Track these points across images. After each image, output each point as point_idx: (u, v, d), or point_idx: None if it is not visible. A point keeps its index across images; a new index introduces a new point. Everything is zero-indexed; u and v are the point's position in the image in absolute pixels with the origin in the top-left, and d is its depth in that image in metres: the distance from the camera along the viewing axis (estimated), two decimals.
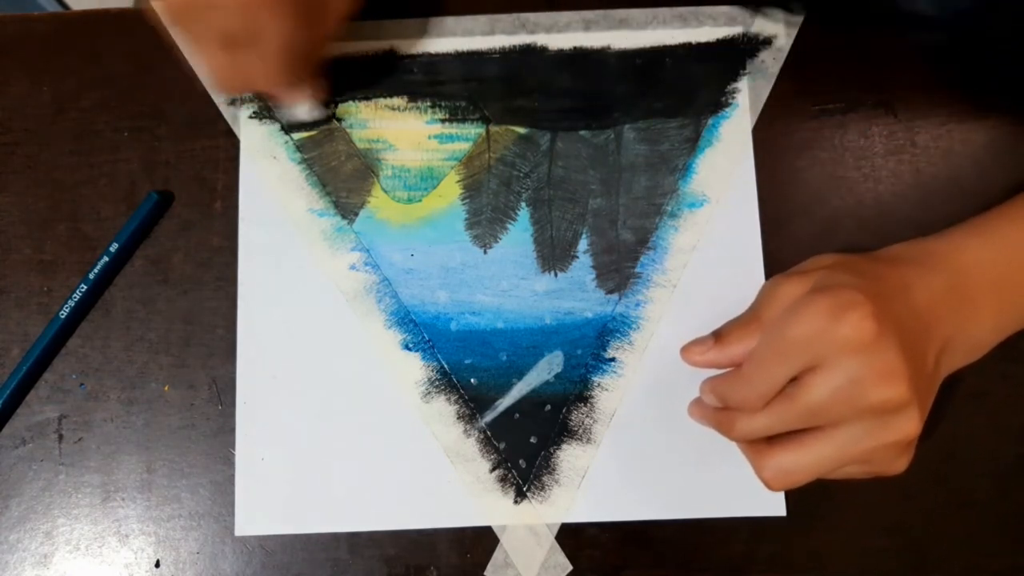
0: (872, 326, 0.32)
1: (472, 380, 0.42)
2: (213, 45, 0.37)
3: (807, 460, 0.33)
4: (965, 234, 0.38)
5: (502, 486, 0.41)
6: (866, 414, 0.32)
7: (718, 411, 0.36)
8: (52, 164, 0.44)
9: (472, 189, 0.43)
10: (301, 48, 0.38)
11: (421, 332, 0.42)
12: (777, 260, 0.42)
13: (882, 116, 0.44)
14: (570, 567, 0.40)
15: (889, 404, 0.32)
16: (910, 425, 0.33)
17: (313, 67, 0.42)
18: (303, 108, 0.43)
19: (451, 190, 0.43)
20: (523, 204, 0.43)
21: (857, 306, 0.32)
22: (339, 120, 0.44)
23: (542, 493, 0.41)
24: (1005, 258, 0.37)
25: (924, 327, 0.34)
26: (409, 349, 0.42)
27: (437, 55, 0.45)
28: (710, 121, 0.44)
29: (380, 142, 0.44)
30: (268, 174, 0.44)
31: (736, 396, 0.34)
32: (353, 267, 0.43)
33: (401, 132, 0.44)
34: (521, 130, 0.44)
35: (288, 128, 0.44)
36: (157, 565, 0.40)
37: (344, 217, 0.43)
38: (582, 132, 0.44)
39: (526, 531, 0.40)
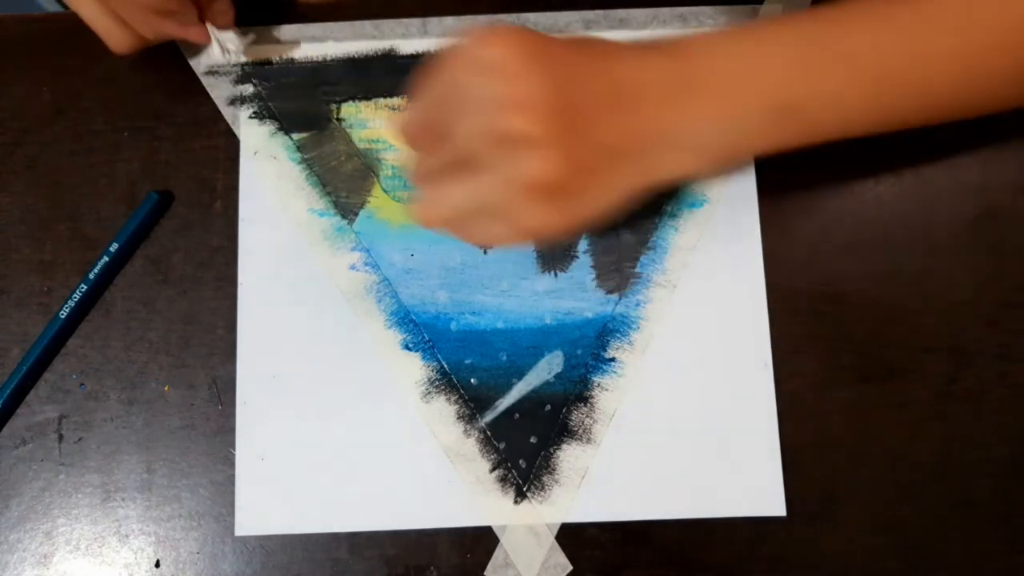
0: (514, 53, 0.30)
1: (472, 380, 0.42)
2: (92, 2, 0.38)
3: (443, 194, 0.33)
4: (707, 35, 0.35)
5: (502, 486, 0.41)
6: (496, 145, 0.31)
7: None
8: (52, 164, 0.44)
9: None
10: None
11: (421, 332, 0.42)
12: (777, 260, 0.42)
13: None
14: (570, 567, 0.40)
15: (516, 135, 0.30)
16: (541, 166, 0.30)
17: None
18: (214, 47, 0.43)
19: None
20: None
21: (504, 35, 0.31)
22: (339, 120, 0.44)
23: (542, 493, 0.41)
24: (742, 60, 0.34)
25: (623, 99, 0.32)
26: (409, 349, 0.42)
27: (437, 55, 0.45)
28: None
29: (380, 142, 0.44)
30: (268, 174, 0.44)
31: (406, 133, 0.34)
32: (353, 267, 0.43)
33: None
34: None
35: (288, 129, 0.44)
36: (157, 565, 0.40)
37: (344, 217, 0.43)
38: None
39: (526, 531, 0.40)
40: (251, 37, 0.44)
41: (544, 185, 0.31)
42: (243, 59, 0.44)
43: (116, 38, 0.41)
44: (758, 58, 0.34)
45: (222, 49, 0.43)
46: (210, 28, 0.43)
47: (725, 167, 0.34)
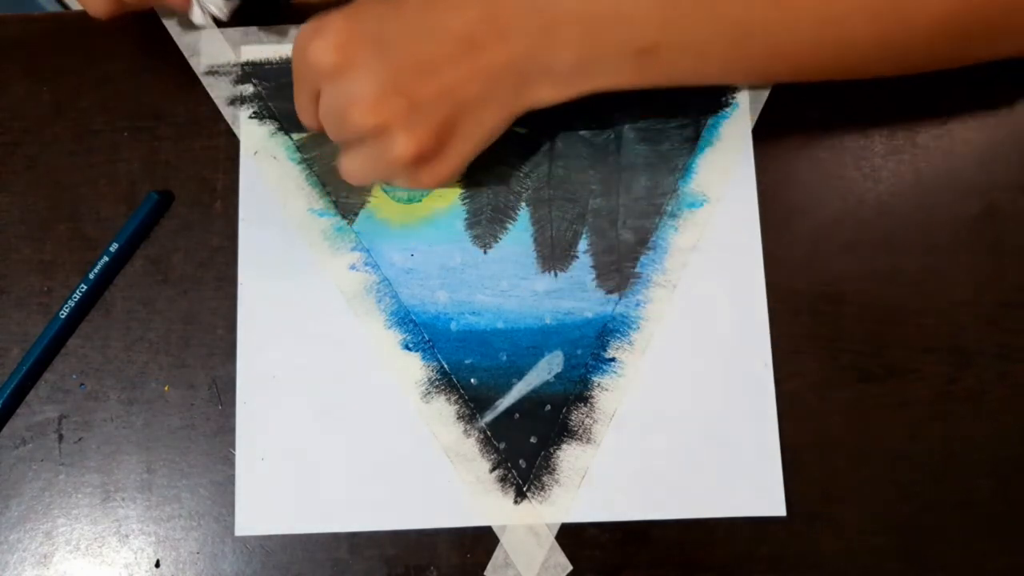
0: (332, 57, 0.33)
1: (472, 380, 0.42)
2: None
3: (351, 164, 0.37)
4: None
5: (502, 486, 0.41)
6: (358, 135, 0.34)
7: None
8: (52, 164, 0.44)
9: (472, 189, 0.43)
10: None
11: (421, 332, 0.42)
12: (777, 260, 0.42)
13: (882, 116, 0.44)
14: (570, 567, 0.40)
15: (368, 130, 0.33)
16: (402, 146, 0.33)
17: None
18: (195, 10, 0.42)
19: (451, 190, 0.43)
20: (523, 204, 0.43)
21: (320, 35, 0.33)
22: None
23: (542, 493, 0.41)
24: (604, 4, 0.34)
25: (473, 46, 0.33)
26: (409, 349, 0.42)
27: None
28: (710, 121, 0.44)
29: None
30: (268, 174, 0.44)
31: (300, 117, 0.39)
32: (353, 267, 0.43)
33: None
34: (521, 130, 0.44)
35: (288, 129, 0.44)
36: (157, 565, 0.40)
37: (344, 217, 0.43)
38: (582, 132, 0.44)
39: (526, 531, 0.40)
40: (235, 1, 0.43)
41: (411, 159, 0.34)
42: (225, 19, 0.42)
43: (95, 2, 0.40)
44: (622, 5, 0.34)
45: (203, 11, 0.42)
46: None
47: (587, 94, 0.36)
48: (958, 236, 0.43)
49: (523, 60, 0.34)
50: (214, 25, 0.43)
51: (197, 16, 0.42)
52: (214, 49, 0.44)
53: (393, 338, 0.42)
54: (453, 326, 0.42)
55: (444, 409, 0.41)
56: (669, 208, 0.43)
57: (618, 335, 0.42)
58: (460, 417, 0.41)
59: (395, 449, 0.41)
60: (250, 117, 0.44)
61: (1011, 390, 0.41)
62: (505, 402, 0.42)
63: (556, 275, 0.43)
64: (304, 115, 0.38)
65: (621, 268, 0.43)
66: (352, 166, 0.37)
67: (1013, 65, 0.44)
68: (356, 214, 0.43)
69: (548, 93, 0.36)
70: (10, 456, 0.41)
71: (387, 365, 0.42)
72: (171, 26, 0.45)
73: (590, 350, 0.42)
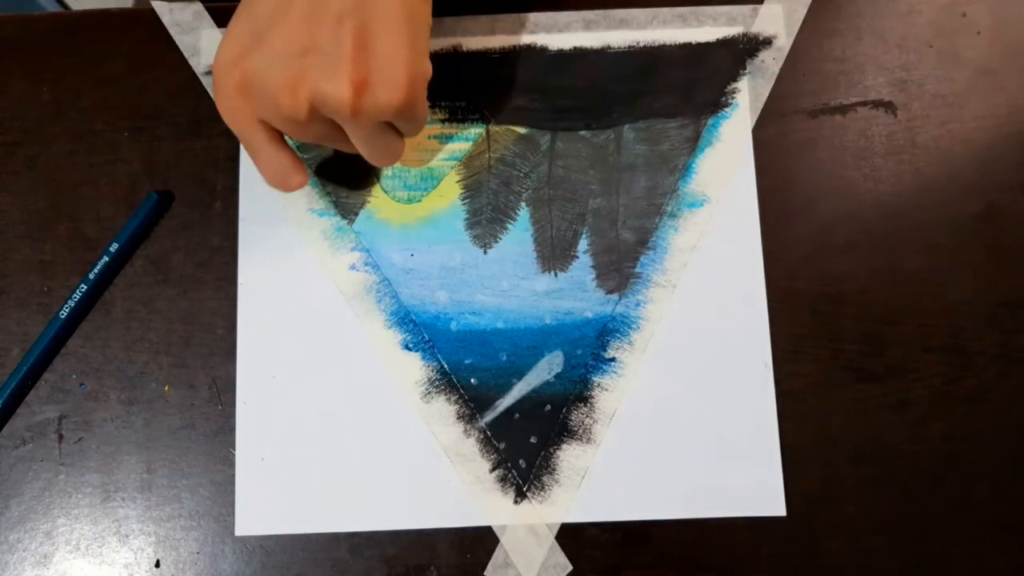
0: (232, 85, 0.34)
1: (472, 380, 0.42)
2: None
3: (359, 148, 0.37)
4: None
5: (502, 486, 0.41)
6: (313, 118, 0.34)
7: None
8: (52, 164, 0.44)
9: (472, 189, 0.43)
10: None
11: (421, 332, 0.42)
12: (777, 260, 0.42)
13: (882, 116, 0.44)
14: (570, 567, 0.40)
15: (307, 111, 0.33)
16: (335, 94, 0.33)
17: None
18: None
19: (451, 190, 0.43)
20: (523, 204, 0.43)
21: (215, 74, 0.35)
22: None
23: (542, 493, 0.41)
24: None
25: None
26: (409, 349, 0.42)
27: (437, 55, 0.45)
28: (710, 121, 0.44)
29: None
30: None
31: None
32: (353, 267, 0.43)
33: None
34: (521, 130, 0.44)
35: None
36: (157, 565, 0.40)
37: (344, 217, 0.43)
38: (582, 132, 0.44)
39: (526, 531, 0.40)
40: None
41: (352, 98, 0.33)
42: None
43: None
44: None
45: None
46: None
47: None
48: (958, 236, 0.43)
49: None
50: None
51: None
52: (214, 49, 0.44)
53: (393, 338, 0.42)
54: (453, 326, 0.42)
55: (444, 409, 0.41)
56: (669, 208, 0.43)
57: (618, 335, 0.42)
58: (460, 417, 0.41)
59: (395, 449, 0.41)
60: None
61: (1011, 390, 0.41)
62: (505, 402, 0.42)
63: (556, 275, 0.43)
64: (276, 168, 0.37)
65: (621, 268, 0.43)
66: (360, 148, 0.37)
67: (1013, 65, 0.44)
68: (356, 214, 0.43)
69: None
70: (10, 456, 0.41)
71: (387, 365, 0.42)
72: (171, 26, 0.45)
73: (590, 350, 0.42)
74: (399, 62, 0.34)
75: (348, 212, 0.43)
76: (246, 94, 0.34)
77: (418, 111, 0.36)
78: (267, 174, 0.38)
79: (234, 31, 0.35)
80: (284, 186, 0.38)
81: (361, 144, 0.37)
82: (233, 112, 0.36)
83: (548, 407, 0.41)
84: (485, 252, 0.43)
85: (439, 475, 0.41)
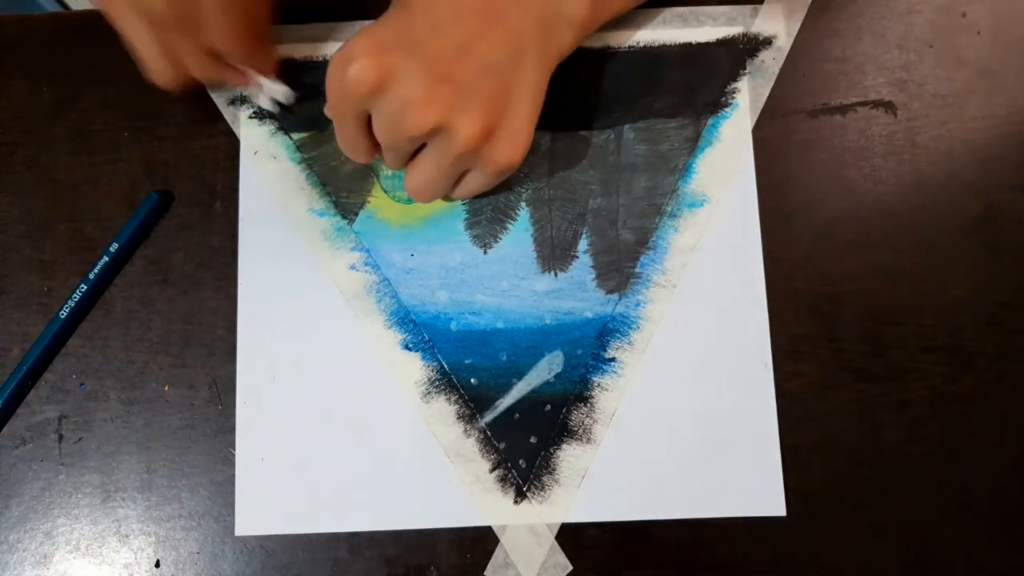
0: (371, 75, 0.33)
1: (472, 380, 0.42)
2: (145, 31, 0.38)
3: (419, 177, 0.38)
4: None
5: (502, 486, 0.41)
6: (422, 138, 0.35)
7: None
8: (52, 164, 0.44)
9: None
10: (243, 22, 0.38)
11: (421, 332, 0.42)
12: (777, 260, 0.42)
13: (882, 116, 0.44)
14: (570, 567, 0.40)
15: (428, 128, 0.34)
16: (464, 131, 0.34)
17: (262, 38, 0.41)
18: (262, 96, 0.43)
19: None
20: (523, 204, 0.43)
21: (351, 60, 0.34)
22: None
23: (542, 493, 0.41)
24: None
25: (488, 14, 0.35)
26: (409, 349, 0.42)
27: None
28: (710, 121, 0.44)
29: None
30: (268, 174, 0.44)
31: (345, 151, 0.39)
32: (353, 267, 0.43)
33: None
34: None
35: (288, 129, 0.44)
36: (157, 565, 0.40)
37: (344, 217, 0.43)
38: (582, 132, 0.44)
39: (526, 531, 0.40)
40: (299, 92, 0.44)
41: (476, 139, 0.35)
42: (290, 104, 0.44)
43: (162, 72, 0.40)
44: None
45: (269, 97, 0.43)
46: (262, 79, 0.42)
47: (599, 25, 0.42)
48: (958, 236, 0.43)
49: (542, 14, 0.37)
50: (278, 109, 0.44)
51: (263, 101, 0.43)
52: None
53: (393, 338, 0.42)
54: (453, 326, 0.42)
55: (444, 409, 0.41)
56: (669, 208, 0.43)
57: (618, 335, 0.42)
58: (460, 417, 0.41)
59: (395, 449, 0.41)
60: (250, 117, 0.44)
61: (1011, 390, 0.41)
62: (505, 402, 0.42)
63: (556, 275, 0.43)
64: (353, 148, 0.38)
65: (621, 268, 0.43)
66: (421, 178, 0.38)
67: (1013, 65, 0.44)
68: (356, 214, 0.43)
69: (569, 37, 0.39)
70: (10, 456, 0.41)
71: (387, 365, 0.42)
72: None
73: (590, 350, 0.42)
74: (526, 129, 0.36)
75: (348, 212, 0.43)
76: (380, 80, 0.34)
77: (509, 179, 0.40)
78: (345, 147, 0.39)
79: (387, 24, 0.35)
80: (356, 158, 0.39)
81: (430, 174, 0.37)
82: (343, 104, 0.36)
83: (548, 407, 0.41)
84: (485, 252, 0.43)
85: (439, 475, 0.41)
